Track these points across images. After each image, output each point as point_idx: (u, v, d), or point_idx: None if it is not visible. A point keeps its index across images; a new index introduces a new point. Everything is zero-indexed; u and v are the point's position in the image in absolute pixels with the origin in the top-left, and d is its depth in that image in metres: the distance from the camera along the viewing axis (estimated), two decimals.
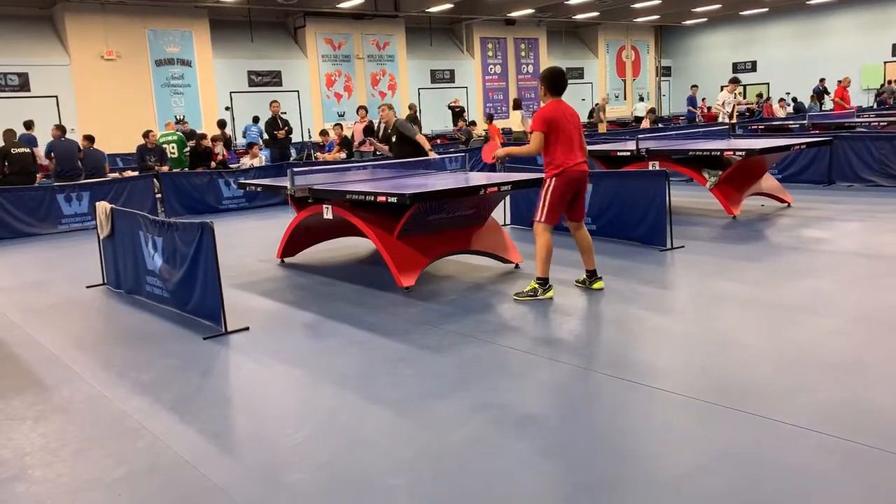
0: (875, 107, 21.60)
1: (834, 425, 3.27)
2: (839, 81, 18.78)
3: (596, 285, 5.94)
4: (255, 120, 18.11)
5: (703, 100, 28.02)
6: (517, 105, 18.51)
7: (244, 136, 18.31)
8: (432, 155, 9.91)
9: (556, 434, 3.43)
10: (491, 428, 3.50)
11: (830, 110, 19.53)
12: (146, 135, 13.57)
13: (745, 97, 20.49)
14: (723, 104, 15.08)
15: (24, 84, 18.10)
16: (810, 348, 4.33)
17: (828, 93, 21.93)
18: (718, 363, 4.21)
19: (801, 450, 3.10)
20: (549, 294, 5.72)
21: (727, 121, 14.56)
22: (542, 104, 5.79)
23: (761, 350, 4.35)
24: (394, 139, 9.85)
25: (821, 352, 4.26)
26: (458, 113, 18.53)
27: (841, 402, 3.56)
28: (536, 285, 5.72)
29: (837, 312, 5.02)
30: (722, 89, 16.11)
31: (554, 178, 5.59)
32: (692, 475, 2.96)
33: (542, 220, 5.68)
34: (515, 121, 17.79)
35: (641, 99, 29.38)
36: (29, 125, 14.40)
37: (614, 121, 24.89)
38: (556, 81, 5.66)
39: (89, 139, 13.07)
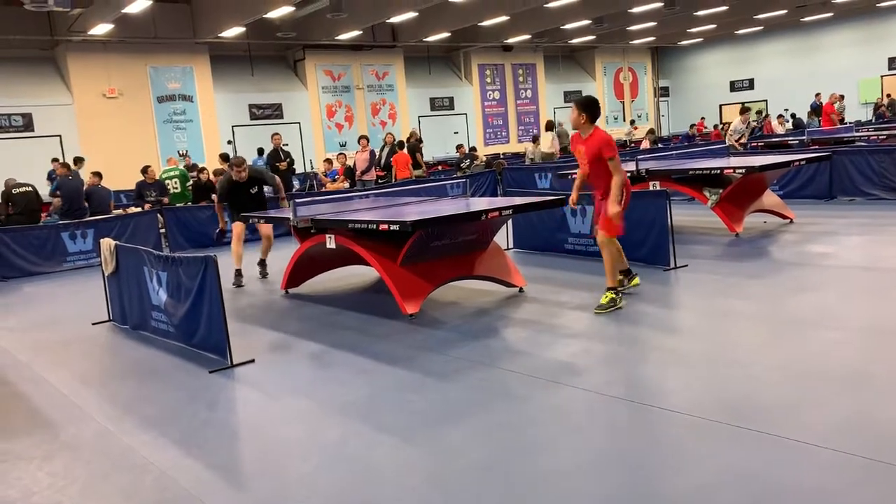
0: (874, 120, 21.66)
1: (843, 440, 3.25)
2: (830, 96, 18.98)
3: (633, 283, 6.38)
4: (260, 152, 18.21)
5: (703, 118, 28.13)
6: (550, 126, 18.43)
7: None
8: (284, 204, 9.07)
9: (564, 457, 3.41)
10: (499, 453, 3.49)
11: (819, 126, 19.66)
12: (144, 170, 13.69)
13: (756, 121, 20.03)
14: (732, 132, 15.11)
15: (27, 124, 18.27)
16: (818, 363, 4.31)
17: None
18: (726, 381, 4.19)
19: (809, 466, 3.08)
20: (621, 303, 5.92)
21: (736, 147, 14.51)
22: (583, 130, 5.95)
23: (768, 366, 4.33)
24: (252, 191, 8.48)
25: (828, 366, 4.24)
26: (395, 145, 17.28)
27: (850, 416, 3.54)
28: (613, 295, 5.91)
29: (844, 326, 5.00)
30: (719, 111, 16.12)
31: (626, 193, 5.89)
32: (699, 494, 2.94)
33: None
34: (546, 142, 17.56)
35: (633, 122, 29.42)
36: (77, 161, 14.35)
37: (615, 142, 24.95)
38: (596, 109, 5.92)
39: (98, 175, 13.16)
